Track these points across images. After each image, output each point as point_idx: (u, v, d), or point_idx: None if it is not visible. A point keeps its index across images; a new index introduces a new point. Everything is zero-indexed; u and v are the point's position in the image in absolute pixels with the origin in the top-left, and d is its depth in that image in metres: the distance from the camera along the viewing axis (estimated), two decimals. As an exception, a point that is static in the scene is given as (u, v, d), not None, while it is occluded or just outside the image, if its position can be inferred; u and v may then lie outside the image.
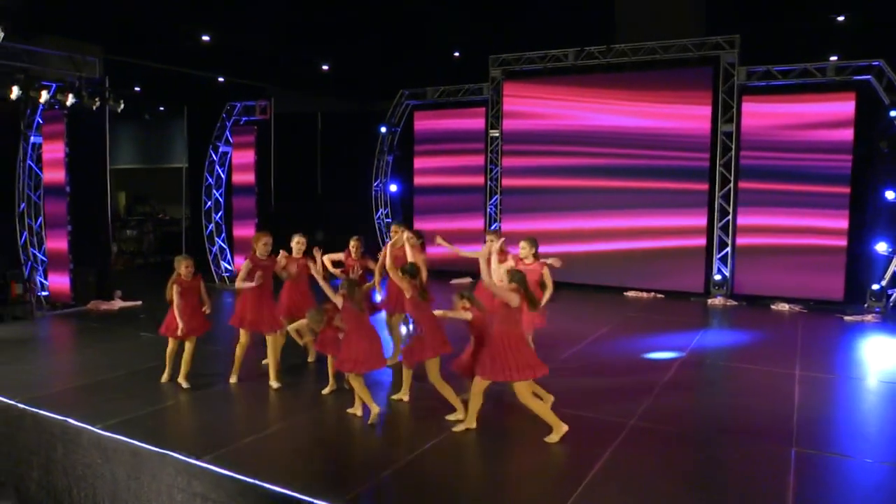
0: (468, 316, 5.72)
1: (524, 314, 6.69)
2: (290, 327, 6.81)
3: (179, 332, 6.67)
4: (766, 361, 7.89)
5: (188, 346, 6.77)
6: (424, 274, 6.85)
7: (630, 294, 12.40)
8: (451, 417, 5.59)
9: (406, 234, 7.07)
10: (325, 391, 6.61)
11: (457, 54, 15.08)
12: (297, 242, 7.39)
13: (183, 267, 6.58)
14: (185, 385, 6.70)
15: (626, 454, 5.22)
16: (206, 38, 14.38)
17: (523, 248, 6.83)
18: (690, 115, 12.00)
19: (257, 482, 4.70)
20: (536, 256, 6.85)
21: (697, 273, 12.07)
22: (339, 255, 7.60)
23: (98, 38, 15.67)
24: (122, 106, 10.38)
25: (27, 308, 10.20)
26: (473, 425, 5.58)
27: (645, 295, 12.31)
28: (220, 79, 17.75)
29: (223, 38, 14.40)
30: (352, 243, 7.71)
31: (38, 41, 13.71)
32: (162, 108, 19.21)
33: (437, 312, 5.86)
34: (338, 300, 5.81)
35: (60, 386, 6.83)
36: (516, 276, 5.53)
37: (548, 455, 5.22)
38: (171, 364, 6.87)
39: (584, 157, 12.87)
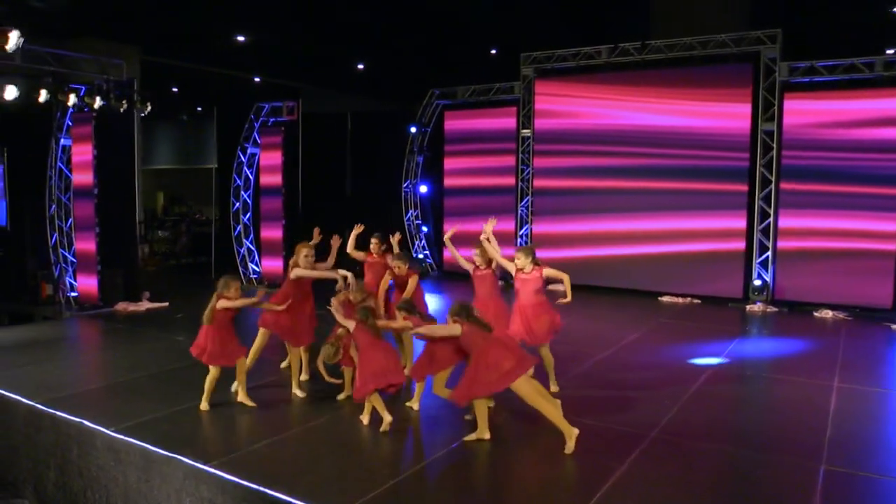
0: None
1: (540, 322, 6.69)
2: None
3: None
4: (803, 372, 7.67)
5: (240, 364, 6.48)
6: (411, 287, 7.09)
7: (665, 299, 12.20)
8: (469, 438, 5.55)
9: (394, 262, 7.25)
10: (341, 396, 6.64)
11: (493, 52, 15.10)
12: (374, 243, 7.70)
13: (233, 290, 6.30)
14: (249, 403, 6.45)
15: (643, 467, 5.13)
16: (240, 38, 14.69)
17: (518, 259, 6.72)
18: (729, 114, 11.75)
19: (261, 488, 4.75)
20: (537, 263, 6.75)
21: (736, 278, 11.80)
22: (360, 254, 7.65)
23: (135, 40, 16.17)
24: (149, 108, 10.63)
25: (57, 309, 10.51)
26: (486, 436, 5.54)
27: (680, 300, 12.10)
28: (256, 79, 18.11)
29: (257, 37, 14.70)
30: (372, 241, 7.77)
31: (75, 44, 14.19)
32: (199, 109, 19.63)
33: (379, 323, 5.90)
34: (350, 324, 5.87)
35: (80, 387, 7.00)
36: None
37: (561, 467, 5.15)
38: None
39: (619, 158, 12.71)
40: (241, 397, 6.44)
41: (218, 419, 6.14)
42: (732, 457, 5.36)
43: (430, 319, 6.08)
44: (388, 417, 5.78)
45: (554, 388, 6.78)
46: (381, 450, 5.53)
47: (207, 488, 5.04)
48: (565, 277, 6.74)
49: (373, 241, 7.80)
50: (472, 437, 5.53)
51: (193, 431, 5.84)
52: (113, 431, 5.77)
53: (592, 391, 6.91)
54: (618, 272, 12.81)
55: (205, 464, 5.14)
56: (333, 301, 6.24)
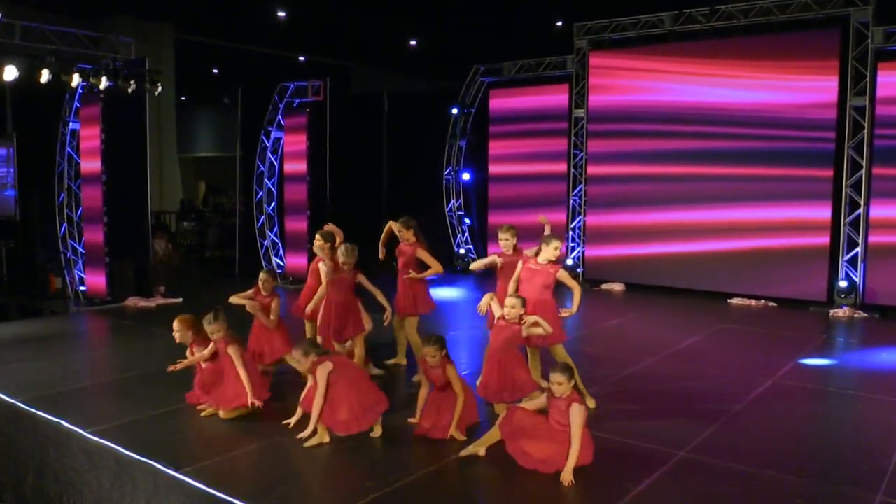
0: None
1: (546, 319, 6.60)
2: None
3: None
4: (881, 388, 7.28)
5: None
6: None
7: (735, 302, 11.83)
8: (464, 453, 5.47)
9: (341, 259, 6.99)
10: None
11: (559, 23, 14.92)
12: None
13: (215, 325, 6.34)
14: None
15: (660, 491, 4.94)
16: (281, 13, 14.99)
17: (544, 250, 6.68)
18: (813, 88, 11.26)
19: (229, 497, 4.80)
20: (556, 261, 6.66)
21: (818, 278, 11.31)
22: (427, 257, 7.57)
23: (169, 17, 16.74)
24: (160, 88, 10.93)
25: (64, 303, 10.94)
26: (482, 453, 5.45)
27: (753, 303, 11.71)
28: (301, 58, 18.45)
29: (295, 11, 14.96)
30: (396, 226, 7.66)
31: (109, 22, 14.77)
32: (240, 91, 20.10)
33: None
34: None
35: (67, 386, 7.24)
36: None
37: (565, 486, 5.02)
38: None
39: (684, 140, 12.37)
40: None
41: (202, 423, 6.25)
42: (771, 482, 5.10)
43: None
44: (378, 430, 5.85)
45: (589, 403, 6.45)
46: (367, 461, 5.51)
47: (176, 496, 5.13)
48: (577, 289, 6.67)
49: (397, 226, 7.61)
50: (467, 451, 5.46)
51: (172, 436, 5.95)
52: (89, 433, 5.94)
53: (623, 402, 6.73)
54: (681, 271, 12.49)
55: (176, 470, 5.23)
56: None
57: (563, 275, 6.62)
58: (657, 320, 10.74)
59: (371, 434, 5.84)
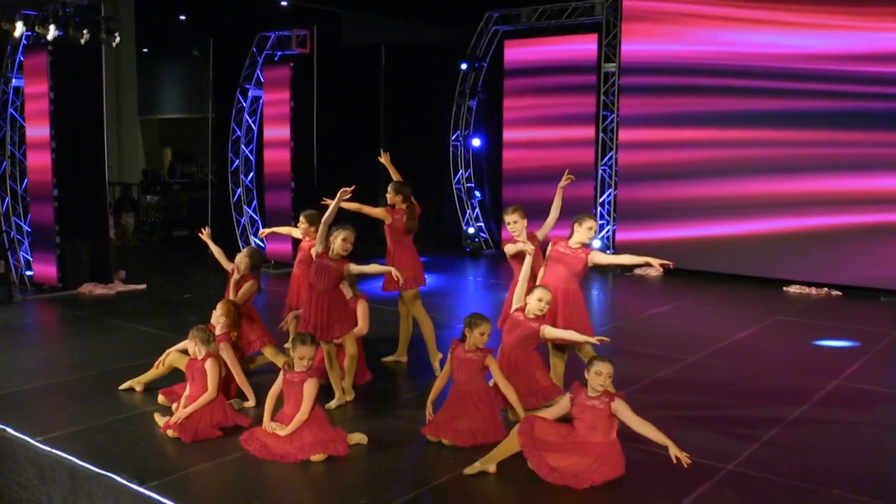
0: None
1: (571, 312, 6.60)
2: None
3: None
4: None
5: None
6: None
7: (792, 289, 11.84)
8: (470, 471, 5.46)
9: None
10: (332, 404, 6.71)
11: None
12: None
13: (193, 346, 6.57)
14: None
15: (705, 510, 4.96)
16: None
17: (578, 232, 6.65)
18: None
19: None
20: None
21: (893, 262, 11.27)
22: (379, 210, 7.66)
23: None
24: (117, 39, 10.88)
25: (7, 291, 10.96)
26: (492, 470, 5.45)
27: (814, 291, 11.71)
28: (283, 2, 18.29)
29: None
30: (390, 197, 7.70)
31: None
32: (211, 41, 19.96)
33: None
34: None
35: (11, 387, 7.26)
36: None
37: (594, 502, 5.03)
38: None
39: (735, 98, 12.30)
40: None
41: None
42: (825, 500, 5.11)
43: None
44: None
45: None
46: (359, 473, 5.54)
47: (140, 516, 5.15)
48: (626, 258, 6.80)
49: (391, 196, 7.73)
50: (474, 467, 5.45)
51: (135, 445, 5.97)
52: (38, 442, 5.96)
53: (660, 407, 6.72)
54: (729, 253, 12.47)
55: (140, 485, 5.25)
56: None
57: (597, 257, 6.59)
58: (700, 311, 10.70)
59: (353, 443, 5.87)
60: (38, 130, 10.90)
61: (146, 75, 23.00)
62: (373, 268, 7.01)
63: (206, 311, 7.32)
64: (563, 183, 6.89)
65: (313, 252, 7.21)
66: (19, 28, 10.03)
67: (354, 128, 16.00)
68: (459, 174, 15.58)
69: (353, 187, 6.67)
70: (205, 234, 7.94)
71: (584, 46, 13.91)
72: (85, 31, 10.42)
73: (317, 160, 13.55)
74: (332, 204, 6.54)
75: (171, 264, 14.60)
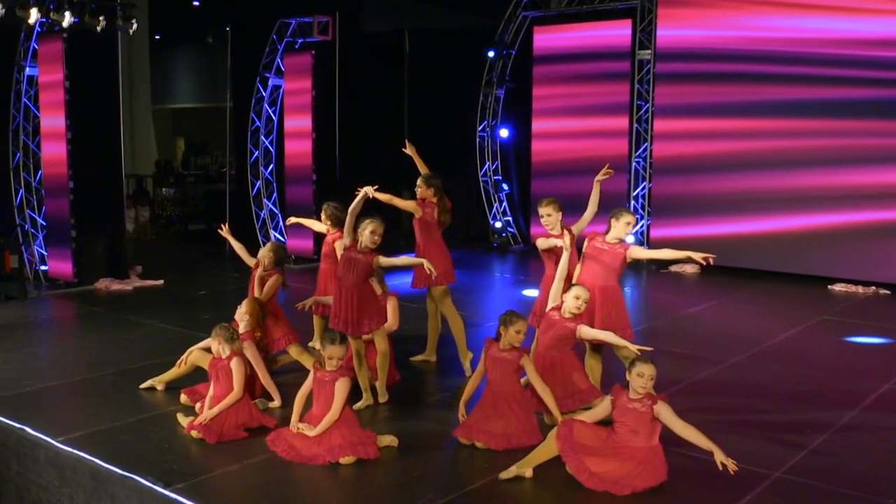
0: None
1: (610, 310, 6.58)
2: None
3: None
4: None
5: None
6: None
7: (838, 288, 11.77)
8: (505, 475, 5.46)
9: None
10: (359, 405, 6.72)
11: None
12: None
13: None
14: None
15: (754, 519, 4.94)
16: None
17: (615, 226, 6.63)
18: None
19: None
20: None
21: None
22: (410, 203, 7.66)
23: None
24: (135, 26, 10.94)
25: (22, 286, 11.06)
26: (528, 474, 5.45)
27: (861, 290, 11.64)
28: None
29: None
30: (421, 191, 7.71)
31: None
32: (228, 29, 20.00)
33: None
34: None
35: (29, 386, 7.32)
36: None
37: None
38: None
39: (779, 86, 12.22)
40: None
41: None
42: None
43: None
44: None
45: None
46: (389, 477, 5.56)
47: (165, 519, 5.19)
48: (666, 252, 6.67)
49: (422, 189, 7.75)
50: (509, 472, 5.45)
51: (158, 446, 6.02)
52: (59, 443, 6.02)
53: (702, 411, 6.68)
54: (771, 250, 12.40)
55: (165, 488, 5.29)
56: None
57: (636, 252, 6.57)
58: (740, 310, 10.67)
59: (383, 445, 5.89)
60: (53, 121, 10.96)
61: (158, 63, 23.09)
62: (403, 260, 7.03)
63: (226, 308, 7.39)
64: (600, 176, 6.85)
65: (338, 245, 7.24)
66: (34, 15, 10.08)
67: (377, 118, 15.99)
68: (486, 166, 15.56)
69: (377, 187, 6.67)
70: (225, 231, 8.00)
71: (617, 32, 13.83)
72: (101, 18, 10.48)
73: (339, 152, 13.57)
74: (359, 194, 6.54)
75: (188, 259, 14.69)
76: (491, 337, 6.13)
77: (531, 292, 11.82)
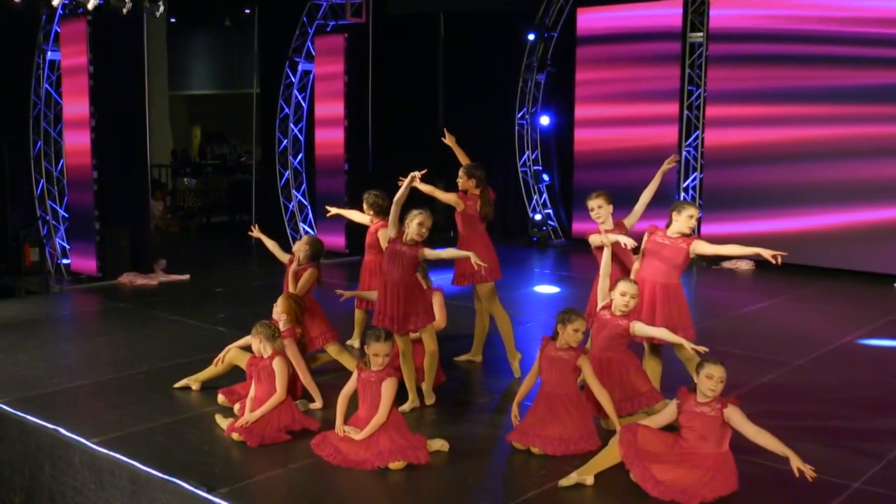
0: None
1: (671, 308, 6.57)
2: None
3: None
4: None
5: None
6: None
7: (909, 285, 11.68)
8: (565, 483, 5.45)
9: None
10: (405, 408, 6.73)
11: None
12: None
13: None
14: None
15: (834, 531, 4.91)
16: None
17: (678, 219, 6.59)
18: None
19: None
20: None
21: None
22: (452, 196, 7.65)
23: None
24: (161, 8, 11.02)
25: (43, 280, 11.19)
26: (589, 482, 5.44)
27: (931, 288, 11.53)
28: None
29: None
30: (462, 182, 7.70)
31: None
32: (248, 11, 20.11)
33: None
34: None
35: (59, 385, 7.40)
36: None
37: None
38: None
39: (843, 69, 12.11)
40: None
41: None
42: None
43: None
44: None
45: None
46: (437, 483, 5.58)
47: (209, 525, 5.24)
48: (735, 248, 6.69)
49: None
50: (570, 479, 5.44)
51: (197, 448, 6.06)
52: (95, 444, 6.08)
53: (770, 416, 6.58)
54: (833, 246, 12.31)
55: (209, 492, 5.33)
56: None
57: (700, 247, 6.54)
58: (802, 309, 10.62)
59: (434, 450, 5.89)
60: (76, 107, 11.06)
61: (174, 48, 23.20)
62: (450, 252, 7.01)
63: (257, 304, 7.40)
64: (665, 166, 6.83)
65: (381, 234, 7.26)
66: (57, -3, 10.21)
67: (411, 105, 16.00)
68: (526, 156, 15.53)
69: (426, 171, 6.67)
70: (256, 231, 8.02)
71: (667, 12, 13.75)
72: (127, 1, 10.55)
73: (372, 140, 13.59)
74: (404, 183, 6.54)
75: (211, 253, 14.79)
76: (548, 335, 6.13)
77: (542, 289, 11.85)
